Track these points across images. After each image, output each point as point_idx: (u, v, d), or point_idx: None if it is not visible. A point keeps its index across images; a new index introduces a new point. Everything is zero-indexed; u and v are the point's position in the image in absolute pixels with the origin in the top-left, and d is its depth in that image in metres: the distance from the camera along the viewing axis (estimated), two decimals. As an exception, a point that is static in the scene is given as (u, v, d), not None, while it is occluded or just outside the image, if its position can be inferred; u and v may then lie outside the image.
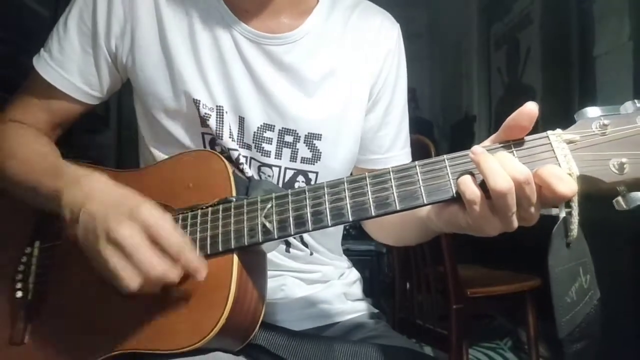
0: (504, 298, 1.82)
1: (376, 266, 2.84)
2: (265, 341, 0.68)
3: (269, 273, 0.70)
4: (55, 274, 0.68)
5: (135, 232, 0.55)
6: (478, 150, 0.51)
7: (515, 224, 0.52)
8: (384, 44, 0.84)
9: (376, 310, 0.88)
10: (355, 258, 0.97)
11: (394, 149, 0.86)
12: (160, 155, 0.79)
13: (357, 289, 0.89)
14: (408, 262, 1.90)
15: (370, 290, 1.93)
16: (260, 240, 0.59)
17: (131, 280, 0.55)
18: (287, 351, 0.67)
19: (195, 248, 0.60)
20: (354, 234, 2.62)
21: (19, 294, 0.68)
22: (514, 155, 0.51)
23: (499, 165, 0.49)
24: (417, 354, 0.74)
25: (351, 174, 0.86)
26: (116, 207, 0.57)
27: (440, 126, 4.06)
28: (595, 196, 0.50)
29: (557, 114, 2.34)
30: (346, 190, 0.56)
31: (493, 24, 3.27)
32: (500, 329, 2.55)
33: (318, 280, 0.83)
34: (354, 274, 0.90)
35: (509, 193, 0.49)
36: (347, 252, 0.93)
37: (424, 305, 1.85)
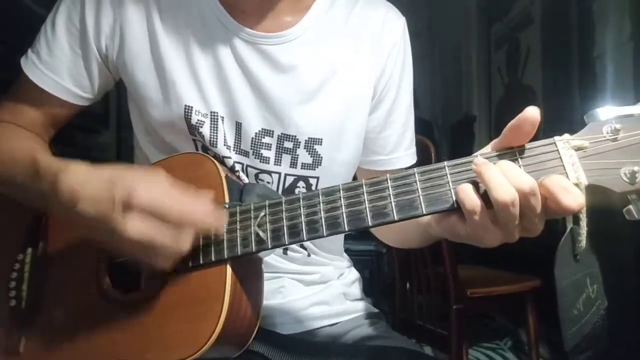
0: (504, 298, 1.82)
1: (376, 266, 2.84)
2: (263, 348, 0.68)
3: (267, 275, 0.69)
4: (48, 281, 0.67)
5: (141, 223, 0.53)
6: (480, 160, 0.49)
7: (517, 235, 0.50)
8: (388, 37, 0.80)
9: (376, 310, 0.87)
10: (355, 258, 0.97)
11: (399, 149, 0.84)
12: (153, 157, 0.77)
13: (357, 289, 0.88)
14: (408, 262, 1.90)
15: (370, 290, 1.93)
16: (254, 250, 0.57)
17: (164, 262, 0.55)
18: (285, 358, 0.67)
19: (189, 257, 0.59)
20: (354, 234, 2.61)
21: (13, 302, 0.66)
22: (518, 163, 0.49)
23: (502, 176, 0.47)
24: (417, 354, 0.74)
25: (354, 177, 0.85)
26: (109, 200, 0.53)
27: (440, 126, 4.05)
28: (603, 204, 0.48)
29: (558, 114, 2.34)
30: (342, 199, 0.54)
31: (493, 24, 3.27)
32: (500, 329, 2.55)
33: (317, 281, 0.82)
34: (354, 273, 0.90)
35: (512, 205, 0.47)
36: (347, 252, 0.93)
37: (424, 306, 1.85)
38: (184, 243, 0.55)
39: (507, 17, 3.03)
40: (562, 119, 2.24)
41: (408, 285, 1.95)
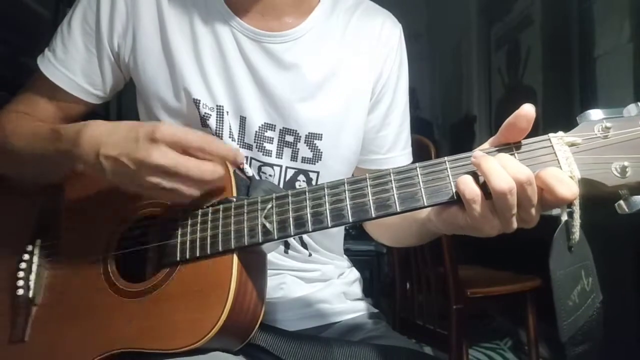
0: (504, 298, 1.83)
1: (376, 266, 2.85)
2: (265, 342, 0.68)
3: (268, 272, 0.70)
4: (56, 272, 0.69)
5: (166, 151, 0.56)
6: (479, 153, 0.51)
7: (515, 224, 0.52)
8: (385, 43, 0.84)
9: (376, 310, 0.88)
10: (355, 258, 0.97)
11: (395, 149, 0.86)
12: None
13: (357, 289, 0.89)
14: (408, 262, 1.90)
15: (370, 290, 1.93)
16: (260, 240, 0.59)
17: (188, 190, 0.58)
18: (286, 352, 0.68)
19: (196, 247, 0.61)
20: (354, 234, 2.62)
21: (20, 291, 0.68)
22: (515, 157, 0.51)
23: (500, 166, 0.49)
24: (417, 354, 0.74)
25: (352, 175, 0.86)
26: (133, 139, 0.58)
27: (440, 126, 4.06)
28: (597, 199, 0.50)
29: (558, 115, 2.34)
30: (346, 192, 0.56)
31: (493, 25, 3.27)
32: (500, 329, 2.55)
33: (317, 279, 0.83)
34: (354, 273, 0.90)
35: (510, 193, 0.49)
36: (347, 252, 0.93)
37: (424, 306, 1.85)
38: (207, 171, 0.58)
39: (507, 17, 3.03)
40: (562, 119, 2.24)
41: (408, 285, 1.95)
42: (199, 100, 0.75)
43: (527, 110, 0.50)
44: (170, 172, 0.57)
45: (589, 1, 2.09)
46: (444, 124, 4.05)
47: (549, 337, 2.05)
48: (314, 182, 0.79)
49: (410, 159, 0.89)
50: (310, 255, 0.82)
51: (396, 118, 0.86)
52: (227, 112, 0.76)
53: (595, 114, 0.51)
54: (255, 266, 0.63)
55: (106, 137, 0.60)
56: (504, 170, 0.49)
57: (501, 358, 2.30)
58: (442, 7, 3.80)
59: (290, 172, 0.78)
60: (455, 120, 3.81)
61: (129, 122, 0.61)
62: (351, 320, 0.83)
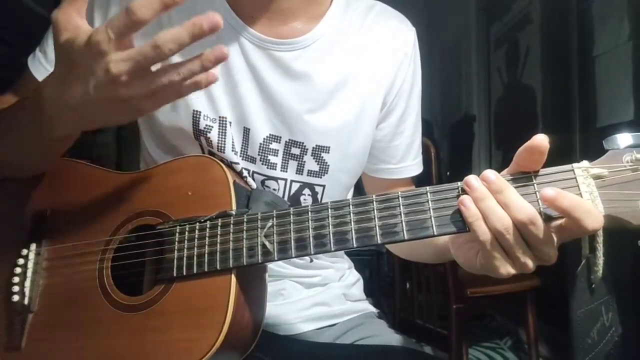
0: (504, 298, 1.83)
1: (376, 266, 2.85)
2: (264, 352, 0.68)
3: (268, 279, 0.68)
4: (51, 279, 0.67)
5: (122, 54, 0.51)
6: (474, 185, 0.50)
7: (531, 264, 0.50)
8: (399, 49, 0.79)
9: (376, 310, 0.87)
10: (355, 258, 0.97)
11: (407, 159, 0.84)
12: (159, 159, 0.77)
13: (357, 290, 0.88)
14: (408, 262, 1.90)
15: (370, 290, 1.93)
16: (260, 261, 0.57)
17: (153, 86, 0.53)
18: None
19: (193, 264, 0.59)
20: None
21: (15, 297, 0.66)
22: (534, 187, 0.50)
23: (495, 203, 0.48)
24: (417, 354, 0.74)
25: (356, 184, 0.85)
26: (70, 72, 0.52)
27: (440, 126, 4.06)
28: (617, 235, 0.48)
29: (557, 114, 2.34)
30: (351, 214, 0.54)
31: (492, 24, 3.27)
32: (500, 329, 2.55)
33: (317, 284, 0.82)
34: (354, 275, 0.90)
35: (507, 232, 0.48)
36: (347, 252, 0.93)
37: (424, 305, 1.85)
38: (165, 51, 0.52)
39: (506, 16, 3.03)
40: (561, 119, 2.24)
41: (408, 284, 1.96)
42: (200, 112, 0.71)
43: (540, 142, 0.48)
44: (133, 68, 0.51)
45: (588, 0, 2.09)
46: (443, 123, 4.05)
47: (549, 336, 2.05)
48: (319, 196, 0.77)
49: (421, 168, 0.86)
50: (311, 261, 0.81)
51: (409, 127, 0.83)
52: (230, 123, 0.72)
53: (623, 139, 0.49)
54: (254, 281, 0.62)
55: (64, 82, 0.53)
56: (498, 208, 0.48)
57: (501, 357, 2.30)
58: (441, 7, 3.80)
59: (295, 186, 0.76)
60: (454, 120, 3.81)
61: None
62: (351, 320, 0.82)
